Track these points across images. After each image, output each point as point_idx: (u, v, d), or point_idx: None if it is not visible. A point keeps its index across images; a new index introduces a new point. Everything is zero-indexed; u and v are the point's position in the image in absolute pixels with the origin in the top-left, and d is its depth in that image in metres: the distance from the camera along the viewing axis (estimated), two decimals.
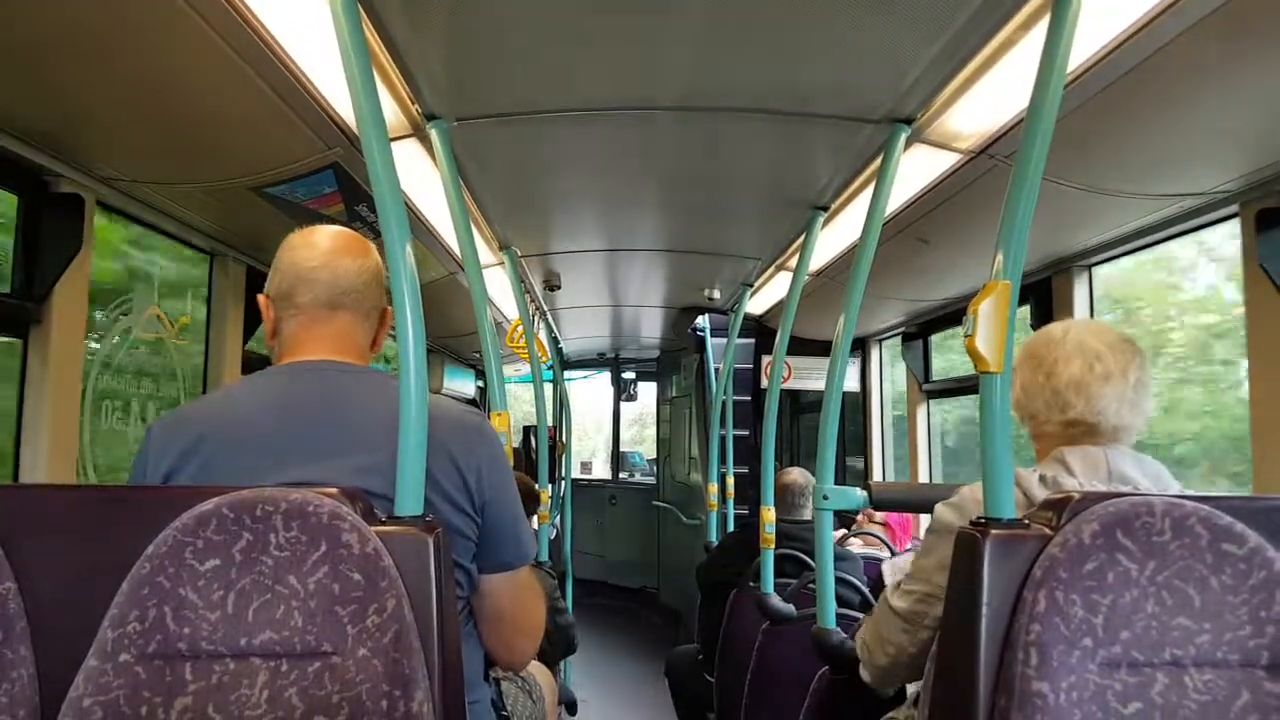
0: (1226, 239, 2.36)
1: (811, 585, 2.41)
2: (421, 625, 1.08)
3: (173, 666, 1.04)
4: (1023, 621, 1.11)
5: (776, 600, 2.91)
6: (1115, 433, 1.43)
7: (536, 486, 3.58)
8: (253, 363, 2.96)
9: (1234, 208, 2.12)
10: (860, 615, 2.28)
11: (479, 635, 1.43)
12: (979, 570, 1.16)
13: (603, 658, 6.16)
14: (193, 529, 1.06)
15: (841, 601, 2.50)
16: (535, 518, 3.65)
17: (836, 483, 2.21)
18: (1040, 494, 1.37)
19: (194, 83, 1.68)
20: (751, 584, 3.20)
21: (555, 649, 2.97)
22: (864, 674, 1.75)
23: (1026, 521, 1.22)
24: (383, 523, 1.15)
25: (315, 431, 1.26)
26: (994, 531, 1.18)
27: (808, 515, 3.48)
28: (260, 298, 1.40)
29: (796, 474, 3.55)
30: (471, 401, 6.83)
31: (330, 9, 1.27)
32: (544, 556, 3.58)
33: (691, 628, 5.37)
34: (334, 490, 1.12)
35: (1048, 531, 1.16)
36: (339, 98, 1.82)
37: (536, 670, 2.19)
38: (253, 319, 2.95)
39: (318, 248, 1.38)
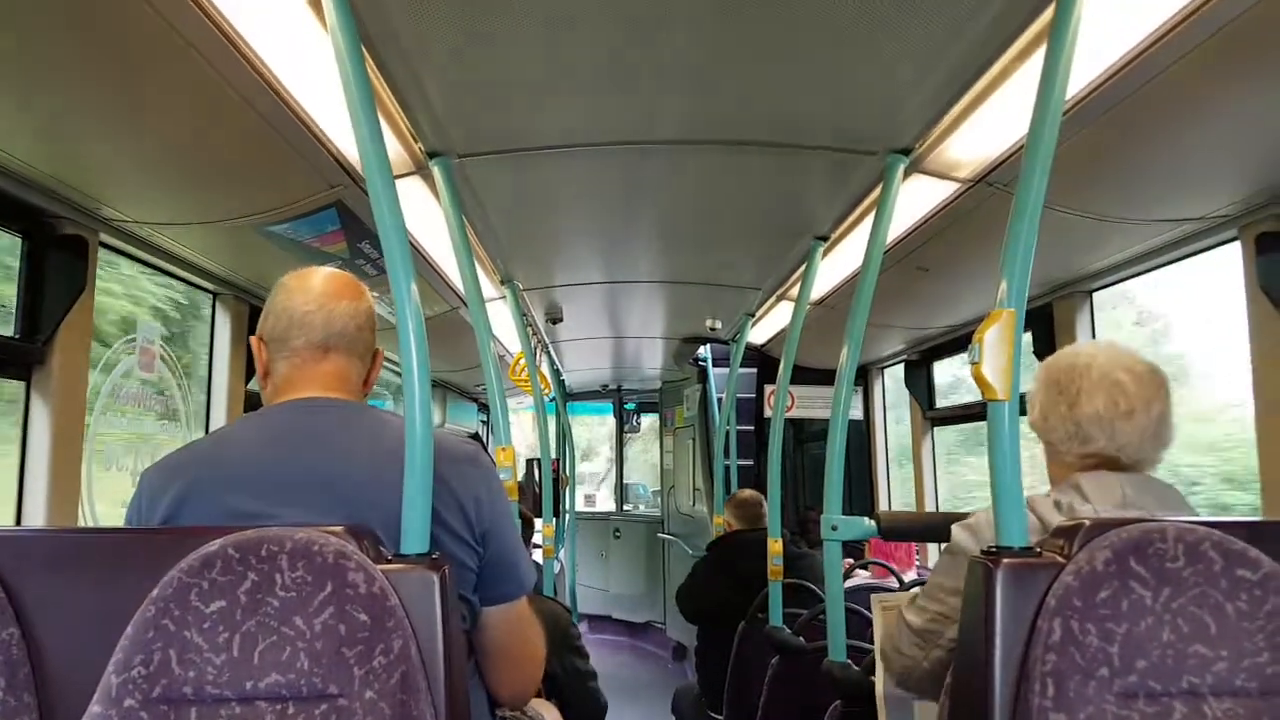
0: None
1: (822, 617, 2.39)
2: (428, 665, 1.07)
3: (178, 711, 1.03)
4: (1038, 652, 1.09)
5: (786, 633, 2.88)
6: (1136, 465, 1.42)
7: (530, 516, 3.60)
8: (255, 403, 2.96)
9: (1233, 231, 2.13)
10: (872, 646, 2.25)
11: (478, 671, 1.41)
12: (992, 600, 1.14)
13: (608, 691, 6.07)
14: (198, 570, 1.05)
15: (851, 630, 2.47)
16: (540, 551, 3.63)
17: (845, 513, 2.19)
18: (1055, 519, 1.36)
19: (197, 123, 1.69)
20: (759, 615, 3.18)
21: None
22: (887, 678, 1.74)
23: (1039, 550, 1.21)
24: (389, 560, 1.14)
25: (313, 468, 1.25)
26: (1006, 560, 1.16)
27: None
28: (253, 339, 1.41)
29: (747, 492, 3.79)
30: (475, 436, 6.81)
31: (333, 49, 1.28)
32: (549, 591, 3.54)
33: None
34: (339, 529, 1.11)
35: (1060, 559, 1.15)
36: (341, 136, 1.84)
37: (541, 706, 2.15)
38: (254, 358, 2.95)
39: (312, 291, 1.38)
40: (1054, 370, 1.49)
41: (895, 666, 1.62)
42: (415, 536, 1.17)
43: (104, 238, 2.19)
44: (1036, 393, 1.49)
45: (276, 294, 1.40)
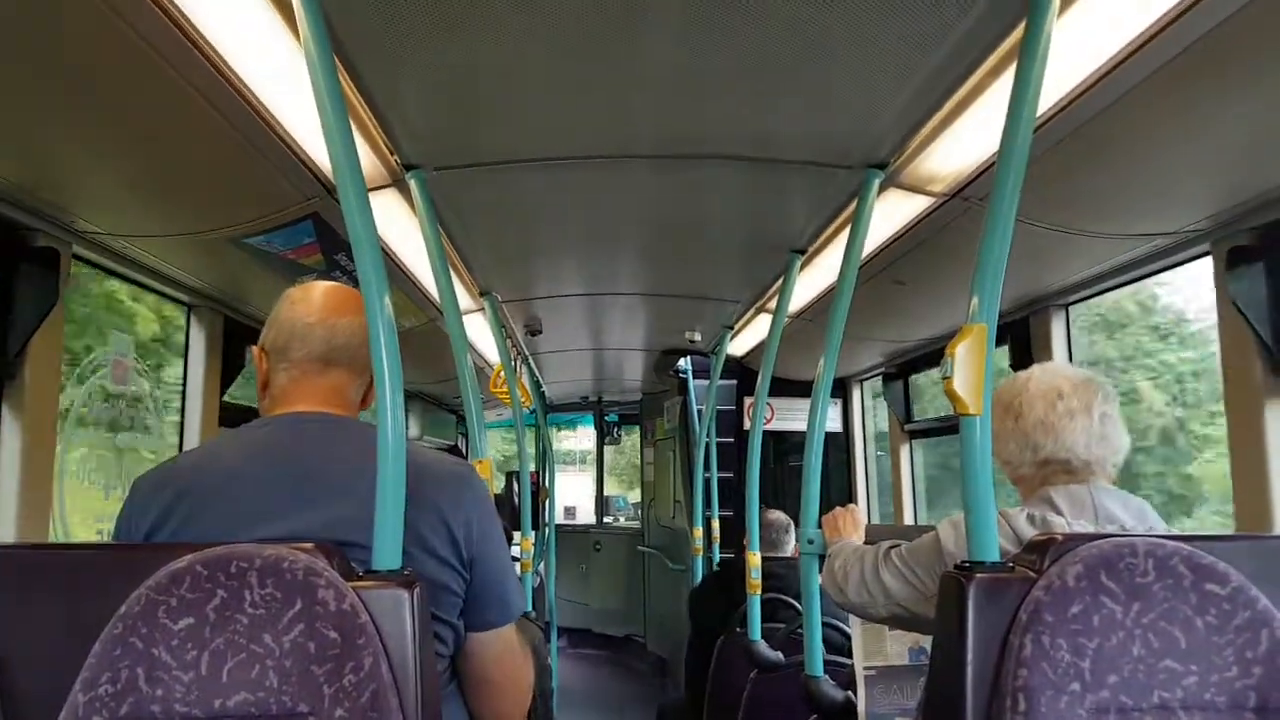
0: None
1: (799, 631, 2.39)
2: (400, 683, 1.06)
3: None
4: (1010, 667, 1.10)
5: (764, 647, 2.88)
6: (1089, 468, 1.46)
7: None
8: (230, 414, 2.93)
9: (1205, 246, 2.15)
10: (850, 661, 2.26)
11: (463, 698, 1.39)
12: (964, 614, 1.15)
13: (589, 707, 6.04)
14: (166, 587, 1.04)
15: (830, 646, 2.47)
16: (517, 565, 3.61)
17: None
18: (1029, 532, 1.38)
19: (171, 135, 1.68)
20: (738, 629, 3.17)
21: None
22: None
23: (1011, 565, 1.21)
24: (360, 577, 1.13)
25: (301, 482, 1.24)
26: (979, 575, 1.17)
27: (788, 552, 3.52)
28: (254, 350, 1.41)
29: (776, 513, 3.59)
30: (453, 448, 6.77)
31: (306, 61, 1.27)
32: (528, 606, 3.53)
33: (679, 676, 5.30)
34: (309, 545, 1.10)
35: (1032, 574, 1.16)
36: (317, 148, 1.83)
37: None
38: (230, 370, 2.92)
39: (315, 304, 1.38)
40: (999, 393, 1.59)
41: (852, 597, 1.69)
42: (387, 553, 1.16)
43: (77, 250, 2.16)
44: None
45: (280, 306, 1.40)
